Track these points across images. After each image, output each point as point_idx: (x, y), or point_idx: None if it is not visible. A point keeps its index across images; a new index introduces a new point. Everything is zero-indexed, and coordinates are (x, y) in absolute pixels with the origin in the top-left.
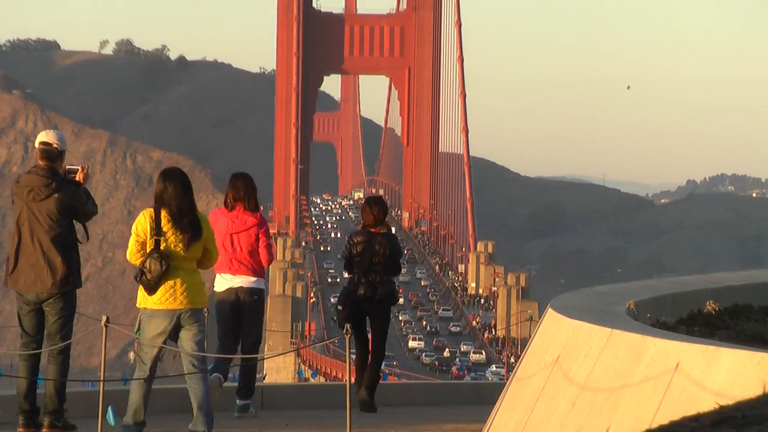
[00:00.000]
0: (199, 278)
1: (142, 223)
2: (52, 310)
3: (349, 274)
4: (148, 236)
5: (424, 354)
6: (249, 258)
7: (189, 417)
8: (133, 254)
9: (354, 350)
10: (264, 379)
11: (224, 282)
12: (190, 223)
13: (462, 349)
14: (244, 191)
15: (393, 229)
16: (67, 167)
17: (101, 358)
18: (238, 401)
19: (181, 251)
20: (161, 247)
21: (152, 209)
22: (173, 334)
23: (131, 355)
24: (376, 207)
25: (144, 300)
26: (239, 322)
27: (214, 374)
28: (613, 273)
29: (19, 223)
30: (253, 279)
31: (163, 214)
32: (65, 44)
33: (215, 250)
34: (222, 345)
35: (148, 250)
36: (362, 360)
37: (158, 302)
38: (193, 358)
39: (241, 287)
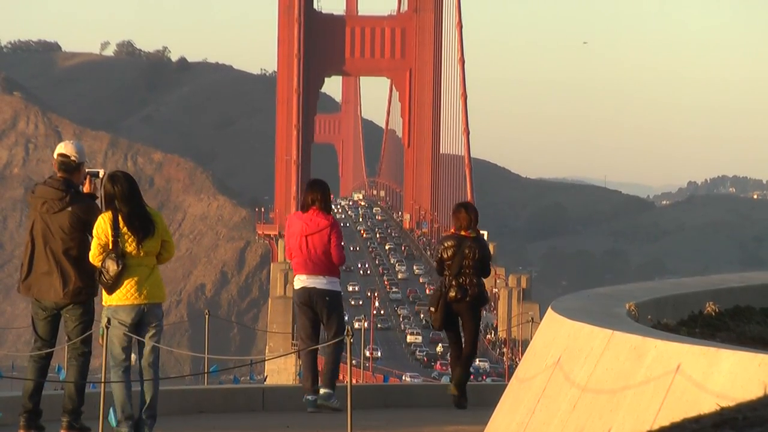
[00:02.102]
0: (158, 274)
1: (102, 226)
2: (71, 316)
3: (440, 276)
4: (109, 238)
5: (418, 350)
6: (323, 258)
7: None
8: (95, 257)
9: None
10: (265, 380)
11: (300, 282)
12: (141, 225)
13: None
14: (321, 194)
15: (486, 235)
16: (88, 170)
17: (102, 360)
18: (321, 389)
19: (134, 251)
20: (118, 248)
21: (110, 212)
22: (135, 330)
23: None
24: (468, 212)
25: (108, 298)
26: (314, 320)
27: (319, 397)
28: (614, 274)
29: (33, 233)
30: (326, 280)
31: (119, 216)
32: (66, 46)
33: (172, 242)
34: (301, 339)
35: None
36: (456, 358)
37: (122, 298)
38: (150, 358)
39: (314, 288)
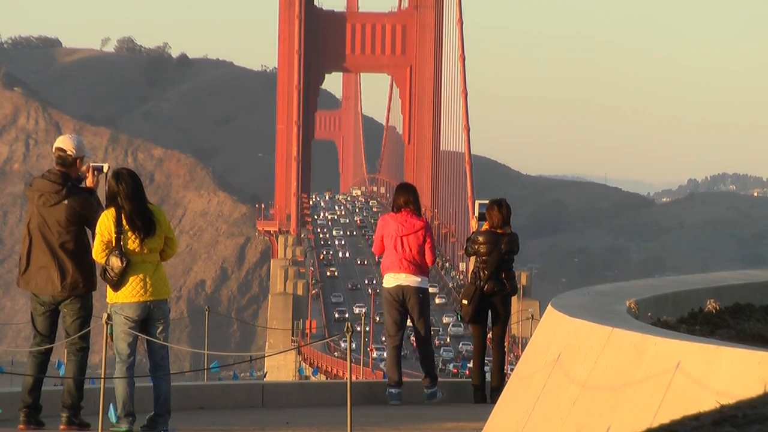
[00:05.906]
0: (162, 270)
1: (105, 223)
2: (69, 311)
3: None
4: (112, 235)
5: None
6: (417, 257)
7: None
8: (98, 253)
9: (472, 342)
10: (265, 377)
11: (393, 280)
12: (143, 223)
13: (444, 321)
14: (413, 197)
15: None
16: (93, 165)
17: (102, 356)
18: (425, 390)
19: (137, 248)
20: (122, 245)
21: (113, 209)
22: (142, 327)
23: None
24: (504, 209)
25: (113, 296)
26: (404, 316)
27: (436, 391)
28: (614, 272)
29: (30, 227)
30: (419, 278)
31: (122, 213)
32: (67, 41)
33: (175, 239)
34: (388, 334)
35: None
36: (481, 352)
37: (128, 295)
38: (160, 354)
39: (408, 286)
